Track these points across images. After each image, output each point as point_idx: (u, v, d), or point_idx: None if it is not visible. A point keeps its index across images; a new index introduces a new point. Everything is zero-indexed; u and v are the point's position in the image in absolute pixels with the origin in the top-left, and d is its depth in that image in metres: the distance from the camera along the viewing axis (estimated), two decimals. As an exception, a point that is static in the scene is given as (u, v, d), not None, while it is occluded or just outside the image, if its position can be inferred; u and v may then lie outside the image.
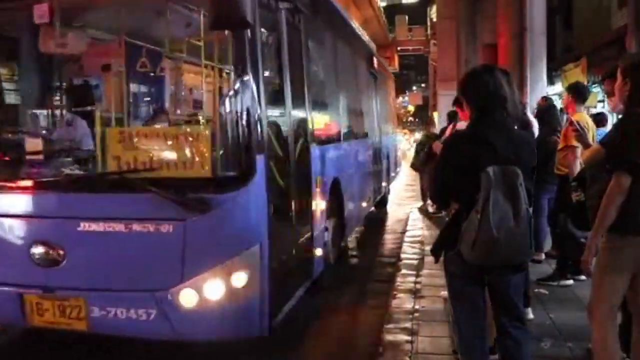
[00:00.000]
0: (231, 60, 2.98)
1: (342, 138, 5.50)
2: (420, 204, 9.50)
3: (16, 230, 3.04)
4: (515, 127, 2.59)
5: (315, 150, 4.07)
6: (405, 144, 15.19)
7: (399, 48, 37.13)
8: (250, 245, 2.87)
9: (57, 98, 4.50)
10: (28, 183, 3.05)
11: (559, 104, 6.39)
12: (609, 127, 5.72)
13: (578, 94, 4.42)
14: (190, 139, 2.91)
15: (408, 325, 3.78)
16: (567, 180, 4.13)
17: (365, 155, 7.05)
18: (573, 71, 12.90)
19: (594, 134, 4.40)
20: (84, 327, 2.97)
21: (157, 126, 3.98)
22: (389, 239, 7.43)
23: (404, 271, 5.27)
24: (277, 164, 3.28)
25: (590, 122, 4.48)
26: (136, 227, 2.85)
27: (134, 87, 4.74)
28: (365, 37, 8.27)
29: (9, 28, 3.88)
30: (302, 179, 3.85)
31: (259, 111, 2.89)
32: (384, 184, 9.07)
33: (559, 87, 13.96)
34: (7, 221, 3.05)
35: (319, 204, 4.13)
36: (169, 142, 2.95)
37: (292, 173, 3.59)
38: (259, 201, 2.92)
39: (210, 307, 2.84)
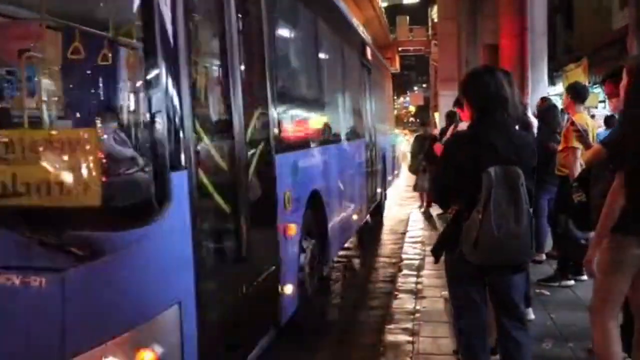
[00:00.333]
0: (136, 35, 2.07)
1: (324, 141, 4.65)
2: (418, 204, 9.35)
3: None
4: (517, 128, 2.60)
5: (281, 158, 3.20)
6: (405, 145, 14.80)
7: (400, 48, 37.11)
8: (164, 306, 1.99)
9: None
10: None
11: (559, 104, 6.39)
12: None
13: (577, 94, 4.42)
14: (70, 149, 1.91)
15: (409, 325, 3.78)
16: (567, 180, 4.14)
17: (355, 159, 6.12)
18: (574, 71, 12.91)
19: (594, 134, 4.41)
20: None
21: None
22: (390, 240, 7.43)
23: (405, 271, 5.27)
24: (214, 182, 2.42)
25: (590, 122, 4.48)
26: None
27: (65, 79, 2.97)
28: (356, 22, 7.28)
29: None
30: (261, 198, 2.98)
31: (178, 109, 2.03)
32: (379, 190, 8.12)
33: (560, 88, 13.96)
34: None
35: (288, 227, 3.24)
36: (42, 154, 1.94)
37: (243, 192, 2.66)
38: (177, 240, 2.06)
39: None
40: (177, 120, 2.04)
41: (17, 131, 2.10)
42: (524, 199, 2.17)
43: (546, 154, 4.24)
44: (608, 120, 7.38)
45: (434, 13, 29.44)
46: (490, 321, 2.49)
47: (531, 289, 3.74)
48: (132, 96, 2.18)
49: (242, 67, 2.78)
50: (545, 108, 5.14)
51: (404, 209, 9.91)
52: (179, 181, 2.03)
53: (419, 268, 5.31)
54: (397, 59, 37.09)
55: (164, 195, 1.95)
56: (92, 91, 2.79)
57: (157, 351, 1.95)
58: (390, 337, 3.61)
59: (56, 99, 2.61)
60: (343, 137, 5.53)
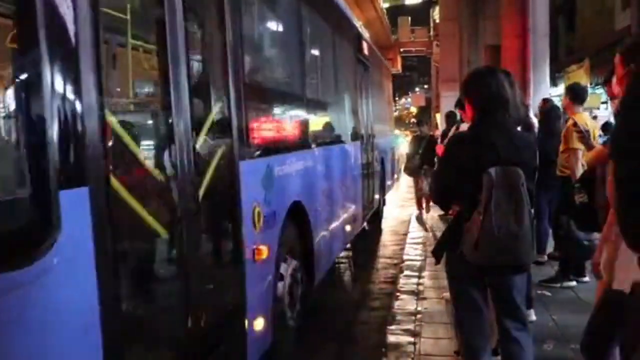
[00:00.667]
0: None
1: (309, 143, 4.01)
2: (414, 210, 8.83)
3: None
4: (518, 129, 2.59)
5: (248, 165, 2.63)
6: (405, 146, 14.41)
7: (401, 49, 37.14)
8: None
9: None
10: None
11: (561, 105, 6.39)
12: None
13: (576, 95, 4.43)
14: None
15: (411, 326, 3.78)
16: (569, 181, 4.13)
17: (349, 164, 5.45)
18: (576, 72, 12.90)
19: (596, 135, 4.41)
20: None
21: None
22: (391, 241, 7.43)
23: (406, 273, 5.27)
24: (143, 200, 1.83)
25: (590, 123, 4.49)
26: None
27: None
28: (352, 14, 6.62)
29: None
30: (217, 216, 2.48)
31: (72, 104, 1.46)
32: (377, 196, 7.54)
33: (562, 89, 13.96)
34: None
35: (258, 250, 2.69)
36: None
37: (189, 210, 2.07)
38: (73, 287, 1.45)
39: None
40: (70, 118, 1.45)
41: None
42: (524, 200, 2.17)
43: (547, 154, 4.24)
44: (606, 127, 7.38)
45: (435, 14, 29.46)
46: (492, 322, 2.49)
47: (533, 290, 3.74)
48: None
49: (190, 51, 2.20)
50: (547, 109, 5.14)
51: (406, 210, 9.90)
52: (76, 202, 1.43)
53: (421, 269, 5.31)
54: (399, 59, 37.12)
55: (47, 225, 1.36)
56: None
57: None
58: (391, 338, 3.61)
59: None
60: (334, 139, 4.98)
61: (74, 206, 1.44)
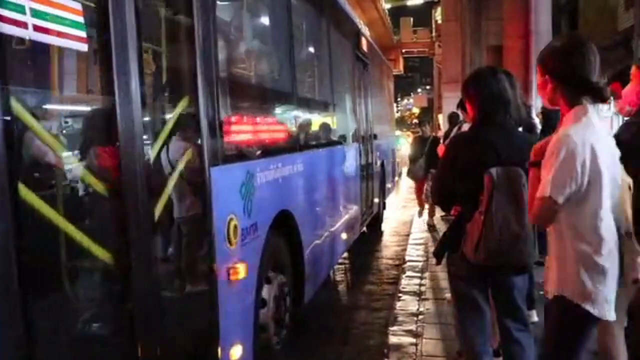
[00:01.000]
0: None
1: (300, 146, 3.67)
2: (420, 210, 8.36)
3: None
4: (520, 129, 2.59)
5: (221, 172, 2.29)
6: (406, 147, 14.09)
7: (403, 50, 37.13)
8: None
9: None
10: None
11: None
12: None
13: None
14: None
15: (413, 327, 3.78)
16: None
17: (345, 167, 5.10)
18: (579, 73, 12.85)
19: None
20: None
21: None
22: (393, 242, 7.42)
23: (408, 273, 5.27)
24: (77, 218, 1.66)
25: None
26: None
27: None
28: (349, 7, 6.19)
29: None
30: (181, 231, 2.29)
31: None
32: (376, 200, 7.24)
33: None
34: None
35: (234, 269, 2.35)
36: None
37: (142, 226, 1.81)
38: None
39: None
40: None
41: None
42: (526, 200, 2.17)
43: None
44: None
45: (437, 14, 29.43)
46: (493, 322, 2.49)
47: (535, 291, 3.73)
48: None
49: (144, 36, 1.91)
50: (548, 110, 5.13)
51: (408, 211, 9.89)
52: None
53: (423, 270, 5.31)
54: (401, 60, 37.12)
55: None
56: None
57: None
58: (393, 339, 3.61)
59: None
60: (329, 140, 4.67)
61: None
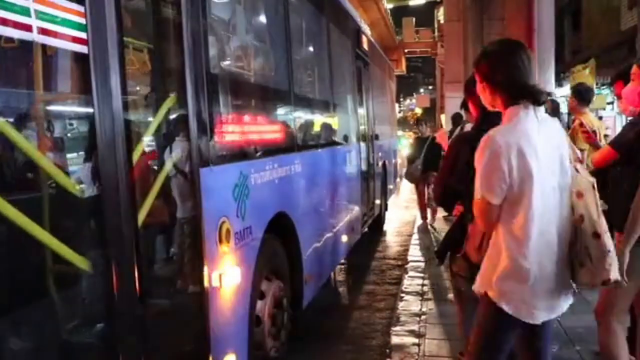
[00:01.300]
0: None
1: (298, 146, 3.58)
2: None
3: None
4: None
5: (213, 173, 2.21)
6: (408, 148, 13.80)
7: (406, 50, 37.07)
8: None
9: None
10: None
11: (566, 106, 6.35)
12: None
13: (582, 96, 4.46)
14: None
15: (415, 327, 3.78)
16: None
17: (346, 168, 5.02)
18: (581, 73, 12.84)
19: (601, 135, 4.39)
20: None
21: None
22: (396, 242, 7.42)
23: (411, 273, 5.26)
24: (56, 223, 1.59)
25: (596, 123, 4.48)
26: None
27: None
28: (350, 5, 6.10)
29: None
30: (168, 238, 2.21)
31: None
32: (377, 201, 7.17)
33: (567, 89, 13.91)
34: None
35: (226, 275, 2.23)
36: None
37: (119, 233, 1.70)
38: None
39: None
40: None
41: None
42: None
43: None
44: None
45: (440, 14, 29.40)
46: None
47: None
48: None
49: (127, 29, 1.83)
50: (550, 110, 5.11)
51: (409, 212, 9.88)
52: None
53: (425, 270, 5.30)
54: (403, 60, 37.05)
55: None
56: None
57: None
58: (396, 339, 3.61)
59: None
60: (328, 140, 4.58)
61: None
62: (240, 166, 2.53)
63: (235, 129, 2.64)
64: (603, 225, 1.76)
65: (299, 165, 3.45)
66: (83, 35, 1.61)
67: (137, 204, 1.81)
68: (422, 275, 5.14)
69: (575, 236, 1.78)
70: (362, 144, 6.05)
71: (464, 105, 4.38)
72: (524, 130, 1.73)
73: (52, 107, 1.87)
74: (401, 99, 54.08)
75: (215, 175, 2.23)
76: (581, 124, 4.01)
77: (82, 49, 1.62)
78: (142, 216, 1.84)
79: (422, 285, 4.80)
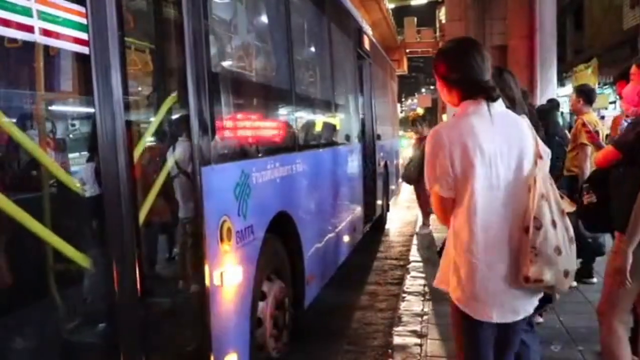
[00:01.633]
0: None
1: (299, 145, 3.57)
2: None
3: None
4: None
5: (214, 171, 2.20)
6: (409, 149, 13.60)
7: (407, 50, 37.05)
8: None
9: None
10: None
11: (567, 106, 6.34)
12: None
13: (586, 96, 4.48)
14: None
15: (417, 328, 3.77)
16: (577, 180, 4.12)
17: (347, 168, 5.01)
18: (584, 72, 12.83)
19: (604, 135, 4.39)
20: None
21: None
22: (398, 242, 7.41)
23: (413, 274, 5.26)
24: (58, 221, 1.63)
25: (599, 123, 4.50)
26: None
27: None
28: (352, 5, 6.10)
29: None
30: (170, 236, 2.27)
31: None
32: (379, 202, 7.12)
33: (569, 89, 13.89)
34: None
35: (228, 274, 2.24)
36: None
37: (118, 231, 1.71)
38: None
39: None
40: None
41: None
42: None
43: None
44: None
45: (442, 14, 29.37)
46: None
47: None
48: None
49: (127, 28, 1.84)
50: (546, 109, 5.08)
51: (411, 212, 9.87)
52: None
53: (427, 270, 5.29)
54: (405, 61, 37.03)
55: None
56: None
57: None
58: (398, 340, 3.60)
59: None
60: (330, 140, 4.58)
61: None
62: (242, 165, 2.53)
63: (237, 128, 2.64)
64: (542, 221, 1.70)
65: (300, 164, 3.45)
66: (84, 35, 1.63)
67: (138, 203, 1.82)
68: (423, 275, 5.13)
69: None
70: (364, 144, 6.04)
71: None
72: (470, 125, 1.74)
73: (54, 107, 1.90)
74: (403, 99, 54.05)
75: (216, 174, 2.23)
76: (584, 124, 4.01)
77: (84, 49, 1.64)
78: (143, 215, 1.85)
79: (424, 285, 4.79)
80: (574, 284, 4.37)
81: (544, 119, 4.85)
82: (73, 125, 1.88)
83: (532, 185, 1.74)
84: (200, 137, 2.11)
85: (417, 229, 7.51)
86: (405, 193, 12.28)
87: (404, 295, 4.57)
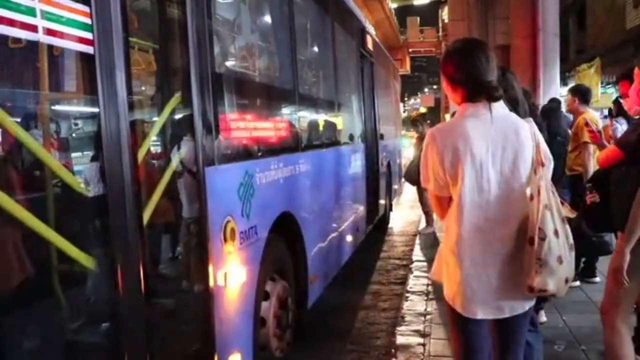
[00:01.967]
0: None
1: (303, 145, 3.59)
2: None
3: None
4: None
5: (218, 172, 2.21)
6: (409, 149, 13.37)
7: (410, 50, 37.01)
8: None
9: None
10: None
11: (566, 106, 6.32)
12: None
13: (581, 95, 4.51)
14: None
15: (420, 327, 3.77)
16: (581, 179, 4.11)
17: (350, 168, 5.01)
18: (587, 72, 12.79)
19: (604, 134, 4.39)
20: None
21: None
22: (400, 242, 7.41)
23: (416, 273, 5.26)
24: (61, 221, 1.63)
25: (599, 122, 4.50)
26: None
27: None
28: (355, 5, 6.09)
29: None
30: (173, 236, 2.25)
31: None
32: (382, 201, 7.13)
33: (572, 88, 13.85)
34: None
35: (232, 274, 2.24)
36: None
37: (122, 232, 1.70)
38: None
39: None
40: None
41: None
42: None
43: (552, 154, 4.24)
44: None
45: (444, 14, 29.36)
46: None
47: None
48: None
49: (132, 28, 1.86)
50: (549, 108, 5.07)
51: (414, 211, 9.87)
52: None
53: (430, 270, 5.28)
54: (408, 60, 37.00)
55: None
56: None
57: None
58: (401, 339, 3.60)
59: None
60: (334, 140, 4.59)
61: None
62: (246, 165, 2.54)
63: (241, 128, 2.65)
64: (546, 232, 1.72)
65: (304, 164, 3.46)
66: (89, 35, 1.64)
67: (142, 203, 1.83)
68: (427, 274, 5.13)
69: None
70: (367, 144, 6.06)
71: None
72: (464, 128, 1.76)
73: (59, 107, 1.91)
74: (406, 99, 54.01)
75: (220, 174, 2.23)
76: (586, 124, 4.01)
77: (88, 49, 1.64)
78: (147, 215, 1.86)
79: (427, 285, 4.79)
80: (577, 283, 4.37)
81: (547, 119, 4.86)
82: (77, 125, 1.89)
83: (535, 195, 1.75)
84: (204, 137, 2.11)
85: (420, 229, 7.54)
86: (408, 193, 12.27)
87: (407, 294, 4.57)
